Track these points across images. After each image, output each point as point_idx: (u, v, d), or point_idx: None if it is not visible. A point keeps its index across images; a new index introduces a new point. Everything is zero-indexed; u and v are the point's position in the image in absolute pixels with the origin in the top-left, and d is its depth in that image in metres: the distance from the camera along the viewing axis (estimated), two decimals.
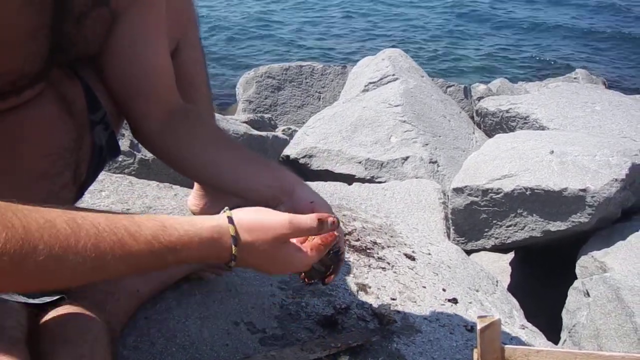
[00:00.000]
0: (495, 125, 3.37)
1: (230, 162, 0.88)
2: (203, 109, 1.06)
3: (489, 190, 1.95)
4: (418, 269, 1.24)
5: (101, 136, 0.88)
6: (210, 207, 1.27)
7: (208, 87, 1.11)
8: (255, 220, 0.69)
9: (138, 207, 1.23)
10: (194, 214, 1.28)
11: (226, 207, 0.70)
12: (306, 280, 0.79)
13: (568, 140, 2.06)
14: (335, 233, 0.75)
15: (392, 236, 1.38)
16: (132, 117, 0.89)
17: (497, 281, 1.41)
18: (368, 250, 1.24)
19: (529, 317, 1.99)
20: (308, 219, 0.71)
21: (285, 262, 0.72)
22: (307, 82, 4.35)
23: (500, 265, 2.77)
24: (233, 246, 0.66)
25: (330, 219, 0.72)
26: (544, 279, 2.51)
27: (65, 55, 0.75)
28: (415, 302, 1.10)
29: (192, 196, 1.28)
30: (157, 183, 1.38)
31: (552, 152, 1.93)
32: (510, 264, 2.69)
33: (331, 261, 0.77)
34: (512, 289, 2.52)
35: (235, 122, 2.36)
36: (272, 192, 0.86)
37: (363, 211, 1.53)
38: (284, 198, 0.85)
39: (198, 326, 0.89)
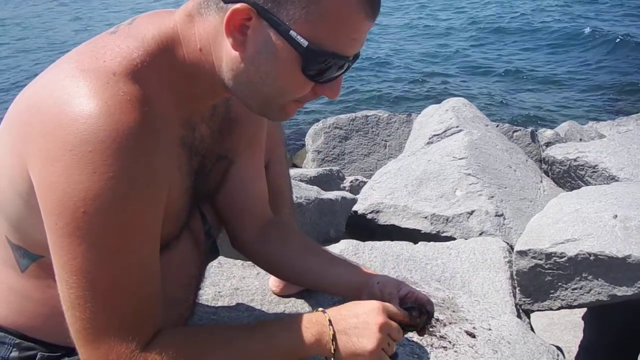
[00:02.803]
0: (563, 173, 3.37)
1: (317, 267, 1.08)
2: (287, 214, 1.25)
3: (553, 254, 2.00)
4: (478, 346, 1.34)
5: (206, 245, 1.09)
6: (289, 288, 1.45)
7: (290, 193, 1.31)
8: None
9: (227, 289, 1.43)
10: (274, 293, 1.46)
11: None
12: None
13: (634, 201, 2.08)
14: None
15: (454, 311, 1.49)
16: (232, 230, 1.10)
17: (557, 354, 1.47)
18: (431, 329, 1.36)
19: None
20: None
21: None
22: (373, 131, 4.52)
23: (573, 320, 2.76)
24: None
25: None
26: (618, 335, 2.47)
27: (197, 200, 0.96)
28: None
29: (273, 278, 1.47)
30: (242, 262, 1.58)
31: (616, 216, 1.96)
32: (583, 318, 2.67)
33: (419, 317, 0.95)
34: (585, 346, 2.50)
35: (306, 187, 2.55)
36: (353, 286, 1.06)
37: (426, 284, 1.65)
38: (362, 288, 1.04)
39: None
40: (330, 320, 0.87)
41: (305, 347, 0.85)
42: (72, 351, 0.77)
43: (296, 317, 0.89)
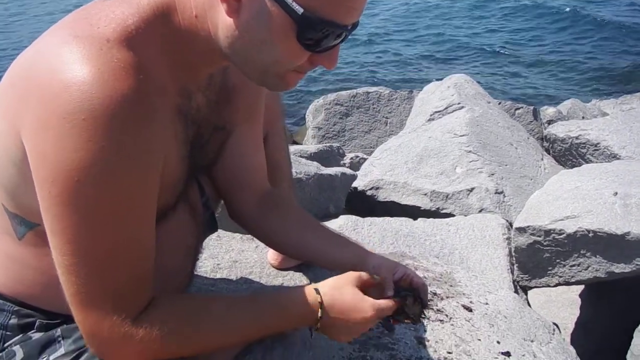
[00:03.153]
0: (564, 151, 3.35)
1: (314, 242, 1.08)
2: (286, 188, 1.25)
3: (552, 231, 2.00)
4: (475, 320, 1.35)
5: (204, 217, 1.08)
6: (287, 261, 1.46)
7: (289, 167, 1.30)
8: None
9: (226, 261, 1.43)
10: (273, 266, 1.47)
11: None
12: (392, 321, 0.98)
13: (634, 179, 2.07)
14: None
15: (451, 285, 1.49)
16: (230, 203, 1.10)
17: (554, 329, 1.48)
18: (428, 302, 1.37)
19: (592, 356, 2.00)
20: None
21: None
22: (374, 108, 4.49)
23: (570, 297, 2.77)
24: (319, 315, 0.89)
25: None
26: (615, 313, 2.49)
27: (194, 170, 0.95)
28: (469, 355, 1.21)
29: (271, 251, 1.47)
30: (241, 235, 1.58)
31: (616, 193, 1.95)
32: (580, 295, 2.69)
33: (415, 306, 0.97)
34: (581, 323, 2.52)
35: (306, 163, 2.54)
36: (350, 263, 1.05)
37: (425, 259, 1.65)
38: (359, 266, 1.03)
39: None
40: (320, 313, 0.89)
41: (293, 324, 0.92)
42: (70, 318, 0.77)
43: (291, 296, 0.91)
